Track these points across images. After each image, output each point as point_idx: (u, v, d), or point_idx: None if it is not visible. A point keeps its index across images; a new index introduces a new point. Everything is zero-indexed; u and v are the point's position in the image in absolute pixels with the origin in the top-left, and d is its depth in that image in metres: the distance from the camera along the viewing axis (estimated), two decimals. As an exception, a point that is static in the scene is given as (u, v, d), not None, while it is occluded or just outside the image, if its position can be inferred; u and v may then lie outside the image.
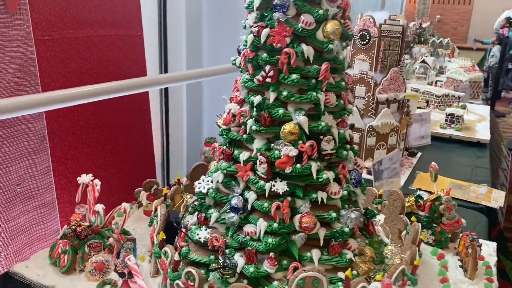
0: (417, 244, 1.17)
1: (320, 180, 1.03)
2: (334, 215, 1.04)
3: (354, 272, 1.04)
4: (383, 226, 1.39)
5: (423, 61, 4.02)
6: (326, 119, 1.05)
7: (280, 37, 1.01)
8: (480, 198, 1.81)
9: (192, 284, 0.96)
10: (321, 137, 1.05)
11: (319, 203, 1.04)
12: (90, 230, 1.15)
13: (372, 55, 2.01)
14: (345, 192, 1.06)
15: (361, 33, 2.01)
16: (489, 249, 1.39)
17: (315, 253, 1.03)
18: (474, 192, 1.87)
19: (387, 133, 2.03)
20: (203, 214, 1.12)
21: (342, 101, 1.08)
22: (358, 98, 2.05)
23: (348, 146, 1.13)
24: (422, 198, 1.39)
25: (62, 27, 1.77)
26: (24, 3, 1.62)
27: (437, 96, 3.21)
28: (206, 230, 1.09)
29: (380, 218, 1.42)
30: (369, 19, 1.99)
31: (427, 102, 3.25)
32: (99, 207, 1.15)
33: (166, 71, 2.73)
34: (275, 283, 1.00)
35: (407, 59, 4.55)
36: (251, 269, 1.00)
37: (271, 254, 1.01)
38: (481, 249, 1.21)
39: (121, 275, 1.08)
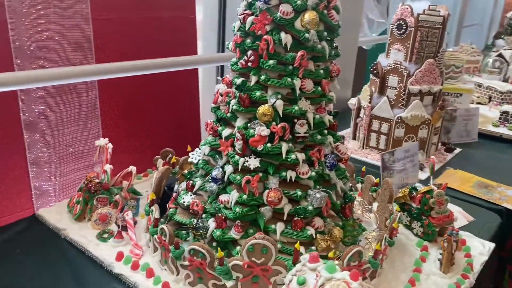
0: (390, 232, 1.20)
1: (288, 160, 1.11)
2: (300, 193, 1.12)
3: (313, 247, 1.11)
4: (375, 213, 1.43)
5: (500, 55, 3.77)
6: (301, 104, 1.12)
7: (260, 25, 1.09)
8: (503, 199, 1.75)
9: (164, 239, 1.10)
10: (295, 120, 1.12)
11: (288, 181, 1.13)
12: (100, 186, 1.34)
13: (408, 45, 1.99)
14: (313, 174, 1.13)
15: (398, 22, 2.00)
16: (482, 249, 1.37)
17: (279, 226, 1.12)
18: (500, 193, 1.81)
19: (417, 125, 2.00)
20: (191, 182, 1.25)
21: (320, 88, 1.14)
22: (391, 88, 2.04)
23: (326, 131, 1.19)
24: (416, 189, 1.40)
25: (118, 9, 1.96)
26: (84, -18, 1.83)
27: (501, 92, 3.02)
28: (191, 196, 1.23)
29: (375, 206, 1.46)
30: (407, 8, 1.97)
31: (489, 98, 3.07)
32: (108, 167, 1.33)
33: (223, 51, 2.89)
34: (238, 248, 1.11)
35: (493, 51, 4.27)
36: (218, 233, 1.12)
37: (238, 222, 1.12)
38: (457, 245, 1.21)
39: (118, 226, 1.25)
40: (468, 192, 1.79)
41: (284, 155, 1.11)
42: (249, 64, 1.12)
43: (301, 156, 1.12)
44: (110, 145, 1.36)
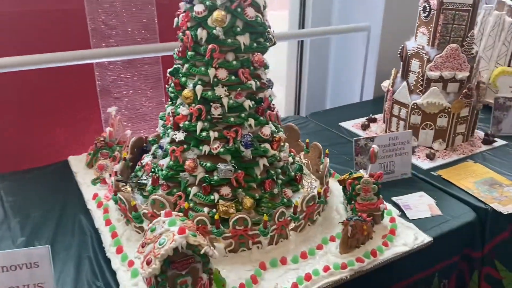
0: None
1: (200, 136, 1.34)
2: (209, 164, 1.35)
3: (214, 210, 1.34)
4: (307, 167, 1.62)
5: None
6: (217, 90, 1.33)
7: (183, 22, 1.33)
8: (497, 199, 1.64)
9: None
10: (211, 103, 1.34)
11: (205, 154, 1.36)
12: (105, 143, 1.75)
13: (431, 29, 1.92)
14: (222, 149, 1.34)
15: (423, 4, 1.94)
16: (411, 241, 1.39)
17: (193, 189, 1.37)
18: (502, 193, 1.69)
19: (435, 113, 1.95)
20: (152, 147, 1.57)
21: (234, 77, 1.33)
22: (412, 73, 2.01)
23: (245, 115, 1.37)
24: (351, 174, 1.47)
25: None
26: (149, -26, 2.23)
27: None
28: (149, 157, 1.55)
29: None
30: (431, -10, 1.89)
31: None
32: (108, 130, 1.73)
33: (303, 27, 3.08)
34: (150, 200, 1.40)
35: None
36: (149, 188, 1.43)
37: (164, 181, 1.41)
38: (352, 228, 1.28)
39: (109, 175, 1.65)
40: (462, 187, 1.72)
41: (198, 132, 1.34)
42: (179, 54, 1.37)
43: (213, 134, 1.34)
44: (113, 110, 1.75)
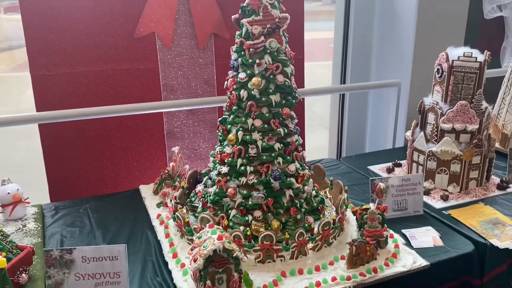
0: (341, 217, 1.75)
1: (240, 170, 1.75)
2: (245, 192, 1.74)
3: (247, 228, 1.72)
4: (331, 201, 1.99)
5: None
6: (254, 135, 1.74)
7: (231, 84, 1.77)
8: (497, 236, 1.89)
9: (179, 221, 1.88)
10: (249, 145, 1.75)
11: (243, 184, 1.76)
12: (168, 175, 2.20)
13: (443, 88, 2.24)
14: (255, 180, 1.73)
15: (437, 67, 2.28)
16: (410, 264, 1.68)
17: (233, 211, 1.77)
18: (503, 231, 1.93)
19: (448, 160, 2.23)
20: (204, 179, 1.99)
21: (267, 125, 1.73)
22: (429, 124, 2.32)
23: (275, 154, 1.76)
24: (367, 209, 1.78)
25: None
26: (211, 41, 2.75)
27: None
28: (201, 187, 1.97)
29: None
30: (443, 55, 2.23)
31: None
32: (171, 164, 2.19)
33: (344, 82, 3.50)
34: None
35: None
36: (199, 210, 1.84)
37: (211, 205, 1.82)
38: (356, 247, 1.60)
39: (170, 201, 2.09)
40: (467, 224, 1.98)
41: (238, 167, 1.75)
42: (227, 107, 1.81)
43: (249, 168, 1.74)
44: (176, 149, 2.20)
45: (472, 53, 2.16)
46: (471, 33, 3.59)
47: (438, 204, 2.17)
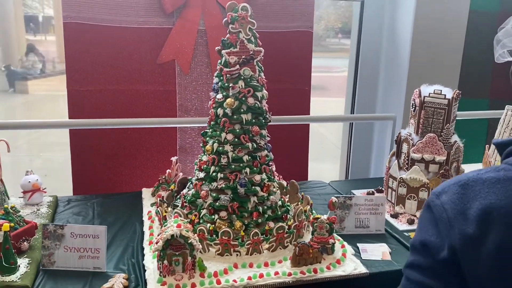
0: (297, 224, 1.97)
1: (212, 176, 2.06)
2: (214, 195, 2.05)
3: (213, 225, 2.01)
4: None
5: None
6: (226, 147, 2.06)
7: (211, 104, 2.11)
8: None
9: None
10: (222, 155, 2.07)
11: (214, 188, 2.07)
12: (165, 180, 2.55)
13: (416, 121, 2.46)
14: (224, 185, 2.03)
15: (412, 102, 2.51)
16: (350, 270, 1.90)
17: (203, 211, 2.07)
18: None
19: (417, 187, 2.43)
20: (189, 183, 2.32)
21: (237, 139, 2.05)
22: (403, 154, 2.53)
23: (243, 165, 2.06)
24: (318, 218, 2.03)
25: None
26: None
27: None
28: (186, 190, 2.30)
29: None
30: (417, 91, 2.47)
31: None
32: (167, 171, 2.54)
33: (353, 112, 3.76)
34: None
35: None
36: (179, 208, 2.16)
37: (188, 204, 2.14)
38: (299, 248, 1.84)
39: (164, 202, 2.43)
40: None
41: (210, 173, 2.07)
42: (209, 123, 2.15)
43: (219, 175, 2.05)
44: (174, 159, 2.56)
45: (441, 90, 2.37)
46: (481, 77, 3.77)
47: (402, 226, 2.36)
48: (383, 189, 2.79)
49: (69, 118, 2.89)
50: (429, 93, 2.40)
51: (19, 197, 2.41)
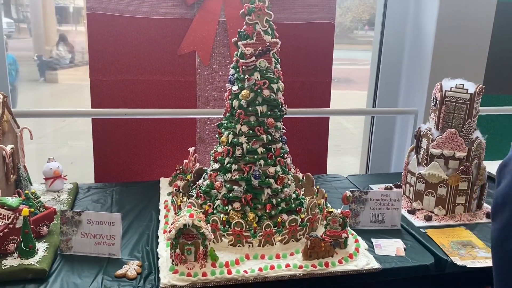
0: (310, 217, 1.97)
1: (227, 167, 2.08)
2: (228, 186, 2.06)
3: (227, 216, 2.03)
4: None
5: None
6: (241, 139, 2.06)
7: (227, 95, 2.12)
8: (460, 255, 2.01)
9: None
10: (236, 147, 2.08)
11: (228, 179, 2.08)
12: (182, 171, 2.59)
13: (437, 115, 2.41)
14: (237, 177, 2.04)
15: (433, 96, 2.46)
16: (362, 264, 1.88)
17: (217, 202, 2.09)
18: (470, 252, 2.05)
19: (435, 183, 2.38)
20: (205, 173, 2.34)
21: (252, 131, 2.05)
22: (422, 149, 2.49)
23: (257, 157, 2.06)
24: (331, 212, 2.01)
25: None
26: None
27: None
28: (201, 180, 2.32)
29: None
30: (438, 85, 2.41)
31: None
32: (184, 161, 2.56)
33: (375, 106, 3.71)
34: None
35: None
36: (193, 198, 2.19)
37: (202, 194, 2.16)
38: (310, 241, 1.84)
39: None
40: (438, 242, 2.12)
41: (225, 164, 2.08)
42: (224, 114, 2.16)
43: (234, 166, 2.06)
44: (191, 150, 2.58)
45: (463, 84, 2.31)
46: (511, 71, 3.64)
47: (419, 223, 2.32)
48: (401, 184, 2.75)
49: (92, 107, 2.94)
50: (451, 88, 2.35)
51: (41, 184, 2.48)
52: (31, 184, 2.42)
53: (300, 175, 2.42)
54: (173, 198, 2.17)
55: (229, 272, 1.78)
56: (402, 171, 2.65)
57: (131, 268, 1.81)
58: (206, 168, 2.39)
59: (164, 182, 2.68)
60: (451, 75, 2.47)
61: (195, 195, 2.23)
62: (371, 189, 2.76)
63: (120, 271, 1.79)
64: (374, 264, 1.90)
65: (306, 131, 3.31)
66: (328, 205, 2.31)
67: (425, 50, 3.15)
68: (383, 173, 3.21)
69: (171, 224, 1.85)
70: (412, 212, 2.41)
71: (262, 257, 1.90)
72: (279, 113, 2.10)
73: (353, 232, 2.11)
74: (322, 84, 3.32)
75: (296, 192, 2.22)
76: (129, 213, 2.31)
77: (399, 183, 2.76)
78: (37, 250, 1.83)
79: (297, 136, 3.28)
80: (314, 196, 2.35)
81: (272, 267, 1.82)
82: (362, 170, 3.88)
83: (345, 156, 5.80)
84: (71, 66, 10.46)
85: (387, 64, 3.53)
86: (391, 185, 2.75)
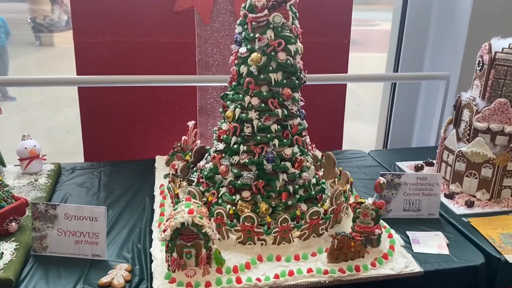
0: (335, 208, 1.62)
1: (233, 148, 1.70)
2: (235, 171, 1.70)
3: (234, 208, 1.67)
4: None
5: None
6: (250, 114, 1.68)
7: (232, 60, 1.72)
8: (515, 252, 1.68)
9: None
10: (245, 124, 1.70)
11: (235, 162, 1.72)
12: (181, 149, 2.22)
13: (483, 82, 2.02)
14: (246, 160, 1.68)
15: (478, 59, 2.05)
16: (400, 267, 1.54)
17: (222, 190, 1.73)
18: (525, 246, 1.71)
19: (479, 163, 2.02)
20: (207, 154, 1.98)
21: (264, 105, 1.67)
22: (463, 122, 2.11)
23: (270, 136, 1.69)
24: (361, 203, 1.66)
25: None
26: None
27: None
28: (203, 162, 1.96)
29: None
30: (486, 46, 2.01)
31: None
32: (183, 138, 2.19)
33: (397, 70, 3.30)
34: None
35: None
36: (194, 184, 1.83)
37: (205, 180, 1.80)
38: (338, 241, 1.50)
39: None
40: (485, 235, 1.78)
41: (231, 145, 1.71)
42: (229, 83, 1.77)
43: (242, 147, 1.69)
44: (191, 124, 2.21)
45: (521, 44, 1.91)
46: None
47: (460, 210, 1.97)
48: (434, 161, 2.38)
49: (77, 72, 2.55)
50: (503, 48, 1.94)
51: (15, 165, 2.13)
52: (5, 166, 2.06)
53: (319, 154, 2.05)
54: (170, 184, 1.81)
55: (239, 281, 1.44)
56: (433, 146, 2.28)
57: (118, 274, 1.48)
58: (208, 147, 2.03)
59: (160, 161, 2.32)
60: (494, 35, 2.06)
61: (195, 180, 1.87)
62: (399, 167, 2.39)
63: (104, 279, 1.45)
64: (415, 267, 1.56)
65: (320, 100, 2.89)
66: (354, 191, 1.95)
67: (462, 4, 2.70)
68: (408, 148, 2.85)
69: (167, 221, 1.50)
70: (450, 196, 2.05)
71: (278, 258, 1.56)
72: (297, 81, 1.71)
73: (385, 224, 1.76)
74: (339, 46, 2.89)
75: (316, 176, 1.86)
76: (119, 200, 1.97)
77: (431, 160, 2.39)
78: (2, 253, 1.49)
79: (308, 106, 2.87)
80: (336, 180, 1.99)
81: (291, 273, 1.48)
82: (380, 143, 3.50)
83: (360, 125, 5.34)
84: (69, 28, 9.93)
85: (413, 23, 3.08)
86: (421, 163, 2.39)
